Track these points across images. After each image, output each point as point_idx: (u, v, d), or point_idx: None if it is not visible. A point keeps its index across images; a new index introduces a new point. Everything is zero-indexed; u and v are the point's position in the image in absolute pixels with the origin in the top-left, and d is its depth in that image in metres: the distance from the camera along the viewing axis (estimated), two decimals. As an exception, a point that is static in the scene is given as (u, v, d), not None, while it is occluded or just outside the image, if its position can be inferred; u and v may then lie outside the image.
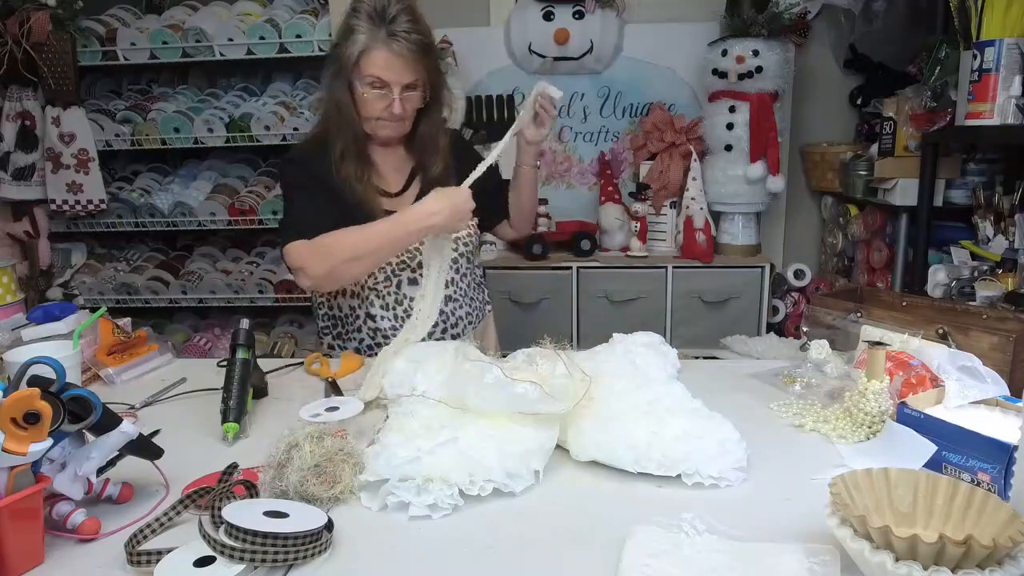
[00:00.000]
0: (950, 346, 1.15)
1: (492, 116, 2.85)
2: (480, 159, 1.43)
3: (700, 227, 2.59)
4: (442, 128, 1.58)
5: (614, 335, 1.32)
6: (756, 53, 2.45)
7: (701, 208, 2.61)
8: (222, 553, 0.75)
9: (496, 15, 2.86)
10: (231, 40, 2.62)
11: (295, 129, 2.65)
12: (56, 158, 2.66)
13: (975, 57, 1.80)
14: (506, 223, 1.74)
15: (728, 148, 2.57)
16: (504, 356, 1.23)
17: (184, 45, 2.65)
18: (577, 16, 2.72)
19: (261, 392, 1.29)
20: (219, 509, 0.81)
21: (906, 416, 0.98)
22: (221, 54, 2.65)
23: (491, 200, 1.64)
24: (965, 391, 1.01)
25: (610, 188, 2.79)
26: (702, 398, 1.10)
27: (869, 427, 1.06)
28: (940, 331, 1.28)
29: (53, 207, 2.73)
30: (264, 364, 1.36)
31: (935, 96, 2.14)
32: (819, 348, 1.26)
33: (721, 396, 1.17)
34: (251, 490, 0.88)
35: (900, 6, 2.59)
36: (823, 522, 0.74)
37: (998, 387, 1.03)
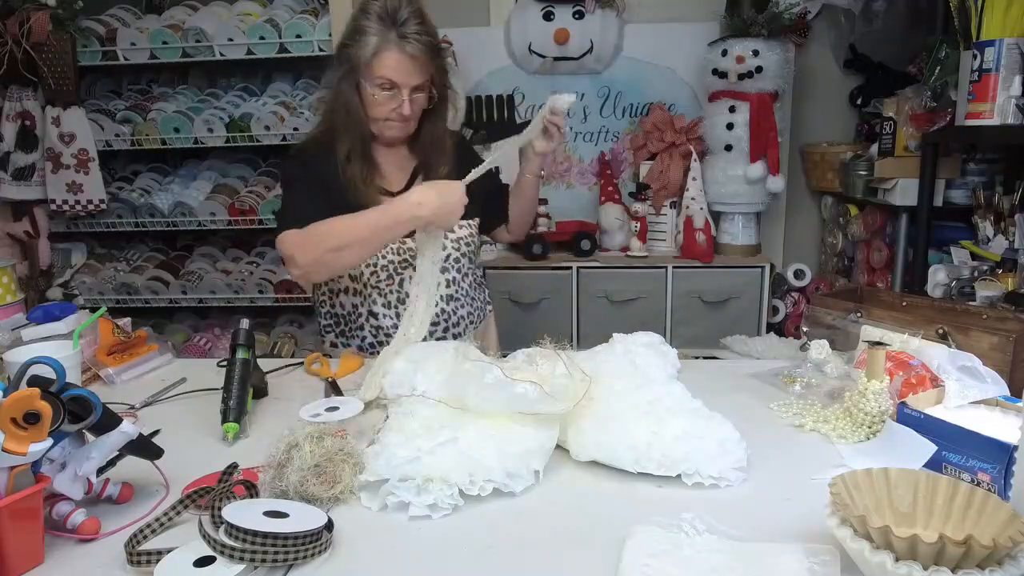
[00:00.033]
0: (950, 346, 1.15)
1: (492, 116, 2.85)
2: (481, 162, 1.43)
3: (700, 227, 2.59)
4: (448, 129, 1.59)
5: (614, 335, 1.32)
6: (756, 53, 2.45)
7: (701, 208, 2.61)
8: (222, 553, 0.75)
9: (496, 15, 2.86)
10: (231, 40, 2.62)
11: (295, 129, 2.65)
12: (56, 158, 2.66)
13: (975, 57, 1.80)
14: (503, 227, 1.75)
15: (728, 148, 2.57)
16: (504, 356, 1.23)
17: (184, 45, 2.65)
18: (577, 16, 2.72)
19: (261, 392, 1.29)
20: (219, 509, 0.81)
21: (906, 416, 0.98)
22: (221, 54, 2.65)
23: (490, 202, 1.65)
24: (965, 391, 1.01)
25: (610, 188, 2.79)
26: (702, 398, 1.10)
27: (869, 427, 1.06)
28: (940, 331, 1.28)
29: (53, 207, 2.73)
30: (264, 364, 1.36)
31: (935, 96, 2.14)
32: (819, 348, 1.26)
33: (721, 396, 1.17)
34: (251, 490, 0.88)
35: (900, 6, 2.59)
36: (823, 522, 0.74)
37: (998, 387, 1.03)
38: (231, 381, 1.14)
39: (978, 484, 0.85)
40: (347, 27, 1.46)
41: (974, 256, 2.00)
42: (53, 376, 0.82)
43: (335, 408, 1.13)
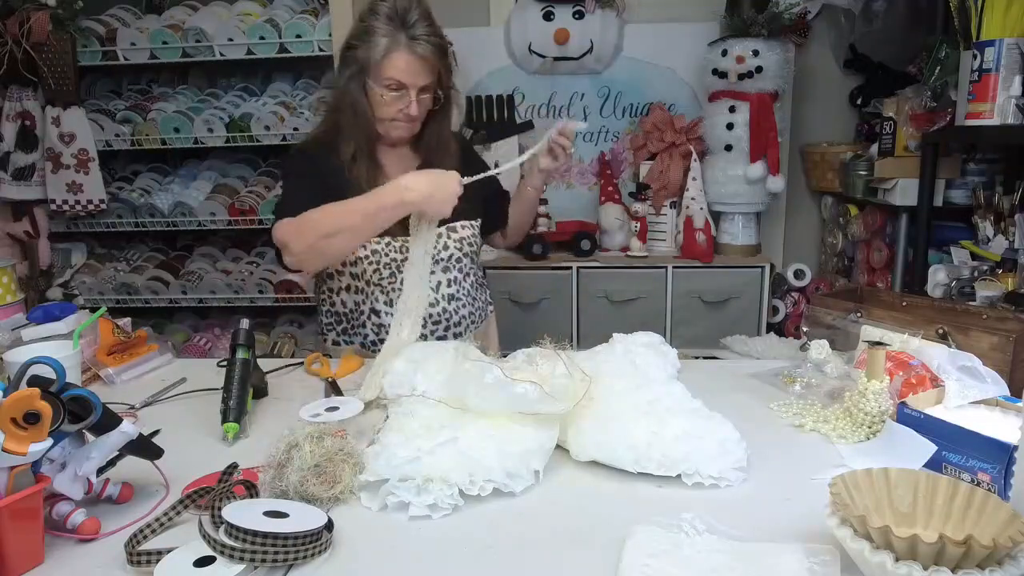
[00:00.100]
0: (950, 346, 1.15)
1: (492, 116, 2.84)
2: (484, 165, 1.44)
3: (700, 227, 2.59)
4: (452, 131, 1.59)
5: (614, 335, 1.32)
6: (756, 53, 2.45)
7: (701, 208, 2.61)
8: (222, 553, 0.75)
9: (496, 15, 2.86)
10: (231, 40, 2.62)
11: (295, 129, 2.65)
12: (56, 158, 2.66)
13: (975, 57, 1.80)
14: (499, 233, 1.77)
15: (728, 148, 2.57)
16: (504, 356, 1.23)
17: (184, 45, 2.65)
18: (577, 16, 2.72)
19: (261, 392, 1.29)
20: (219, 509, 0.81)
21: (906, 416, 0.98)
22: (221, 54, 2.65)
23: (490, 206, 1.65)
24: (965, 391, 1.01)
25: (610, 188, 2.79)
26: (702, 398, 1.10)
27: (869, 427, 1.06)
28: (940, 331, 1.28)
29: (53, 207, 2.73)
30: (264, 364, 1.36)
31: (935, 96, 2.14)
32: (819, 348, 1.26)
33: (721, 396, 1.17)
34: (251, 490, 0.88)
35: (900, 6, 2.59)
36: (823, 522, 0.74)
37: (998, 387, 1.03)
38: (231, 381, 1.15)
39: (978, 484, 0.85)
40: (354, 27, 1.46)
41: (974, 256, 2.00)
42: (53, 376, 0.82)
43: (335, 408, 1.13)
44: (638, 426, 0.98)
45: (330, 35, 2.55)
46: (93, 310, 1.38)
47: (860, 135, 2.76)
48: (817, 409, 1.15)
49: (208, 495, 0.87)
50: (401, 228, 1.42)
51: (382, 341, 1.49)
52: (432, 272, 1.50)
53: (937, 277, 1.95)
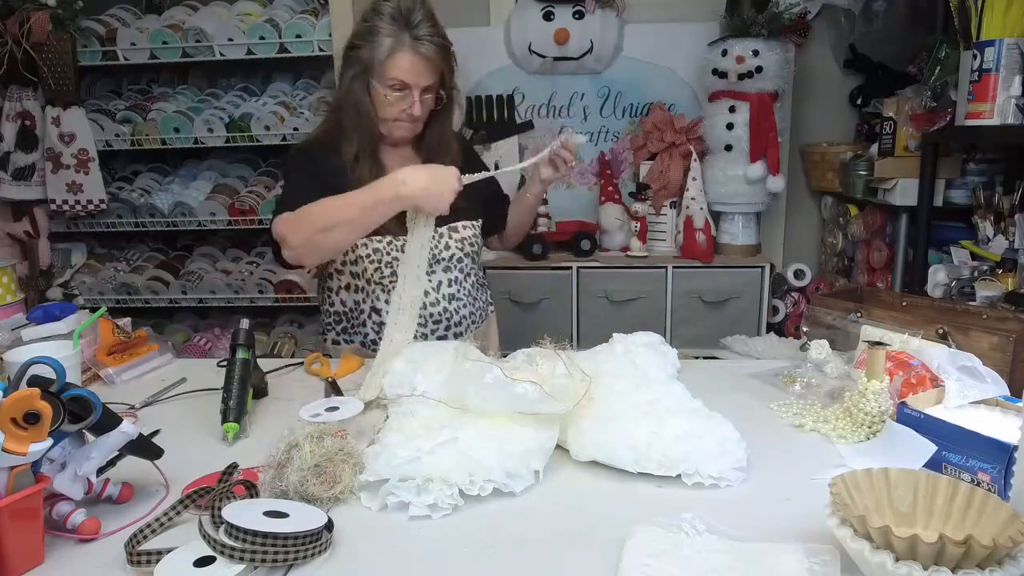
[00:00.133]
0: (950, 346, 1.15)
1: (492, 116, 2.85)
2: (485, 167, 1.44)
3: (700, 227, 2.59)
4: (454, 132, 1.59)
5: (614, 335, 1.32)
6: (756, 53, 2.45)
7: (701, 208, 2.61)
8: (222, 553, 0.75)
9: (496, 15, 2.86)
10: (231, 40, 2.62)
11: (295, 129, 2.65)
12: (56, 158, 2.66)
13: (975, 57, 1.80)
14: (496, 236, 1.78)
15: (728, 148, 2.57)
16: (504, 356, 1.23)
17: (184, 45, 2.65)
18: (577, 16, 2.72)
19: (261, 392, 1.29)
20: (219, 509, 0.81)
21: (906, 416, 0.98)
22: (221, 54, 2.65)
23: (489, 208, 1.66)
24: (965, 391, 1.01)
25: (610, 188, 2.79)
26: (702, 398, 1.10)
27: (869, 427, 1.06)
28: (940, 331, 1.28)
29: (53, 207, 2.73)
30: (264, 364, 1.36)
31: (935, 96, 2.14)
32: (819, 348, 1.26)
33: (721, 396, 1.17)
34: (251, 490, 0.88)
35: (900, 6, 2.59)
36: (823, 522, 0.74)
37: (998, 387, 1.03)
38: (231, 381, 1.15)
39: (978, 484, 0.85)
40: (357, 27, 1.46)
41: (974, 256, 2.00)
42: (53, 376, 0.82)
43: (335, 408, 1.13)
44: (638, 426, 0.98)
45: (330, 35, 2.55)
46: (93, 310, 1.38)
47: (860, 135, 2.76)
48: (817, 409, 1.15)
49: (208, 495, 0.87)
50: (402, 227, 1.42)
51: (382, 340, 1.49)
52: (433, 272, 1.50)
53: (937, 277, 1.95)
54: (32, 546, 0.79)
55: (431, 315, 1.50)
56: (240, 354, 1.18)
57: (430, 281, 1.50)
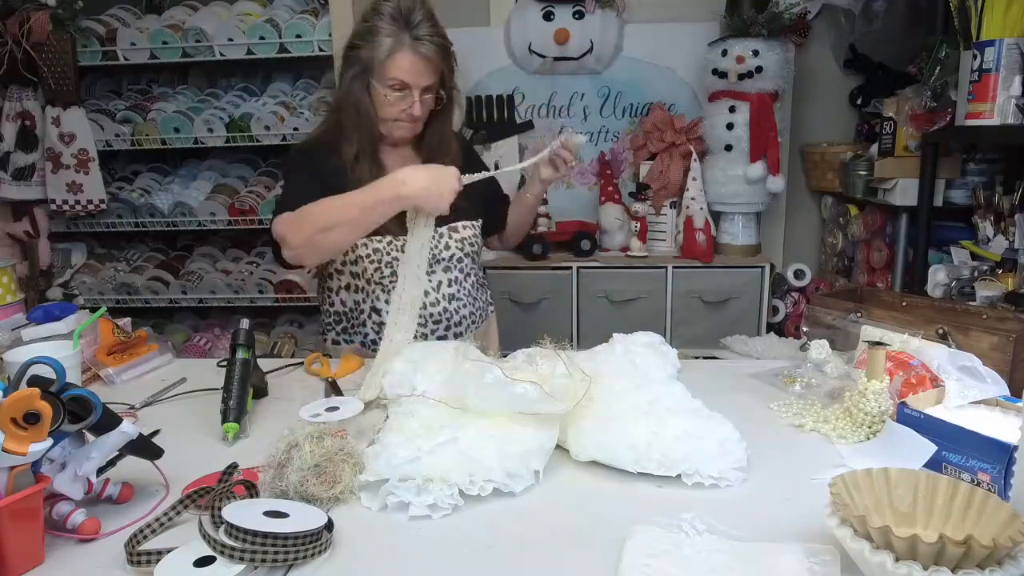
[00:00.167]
0: (950, 346, 1.15)
1: (492, 116, 2.85)
2: (485, 167, 1.44)
3: (700, 227, 2.59)
4: (454, 132, 1.59)
5: (614, 335, 1.32)
6: (756, 53, 2.45)
7: (701, 208, 2.61)
8: (222, 553, 0.75)
9: (496, 15, 2.86)
10: (231, 40, 2.62)
11: (295, 129, 2.65)
12: (56, 158, 2.66)
13: (975, 57, 1.80)
14: (496, 236, 1.78)
15: (728, 148, 2.57)
16: (504, 356, 1.23)
17: (184, 45, 2.65)
18: (577, 16, 2.72)
19: (261, 392, 1.29)
20: (219, 509, 0.81)
21: (906, 416, 0.98)
22: (221, 54, 2.65)
23: (489, 208, 1.66)
24: (965, 391, 1.01)
25: (610, 188, 2.79)
26: (702, 398, 1.10)
27: (869, 427, 1.06)
28: (940, 331, 1.28)
29: (53, 207, 2.73)
30: (264, 364, 1.36)
31: (935, 96, 2.13)
32: (819, 348, 1.26)
33: (721, 396, 1.17)
34: (251, 490, 0.88)
35: (900, 6, 2.59)
36: (823, 522, 0.74)
37: (998, 387, 1.03)
38: (231, 381, 1.15)
39: (978, 484, 0.85)
40: (357, 27, 1.46)
41: (974, 256, 2.00)
42: (53, 376, 0.82)
43: (335, 408, 1.13)
44: (638, 426, 0.98)
45: (330, 35, 2.55)
46: (93, 310, 1.38)
47: (860, 135, 2.76)
48: (817, 409, 1.15)
49: (208, 495, 0.87)
50: (402, 227, 1.41)
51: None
52: (433, 271, 1.50)
53: (937, 277, 1.95)
54: (32, 546, 0.79)
55: (431, 315, 1.50)
56: (240, 354, 1.18)
57: (430, 281, 1.50)
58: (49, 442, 0.78)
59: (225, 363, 1.20)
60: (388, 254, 1.47)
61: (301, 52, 2.60)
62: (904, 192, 2.19)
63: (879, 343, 1.10)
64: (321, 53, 2.58)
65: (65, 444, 0.85)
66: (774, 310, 2.71)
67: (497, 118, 2.84)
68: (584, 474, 0.99)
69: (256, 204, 2.76)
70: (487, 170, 1.50)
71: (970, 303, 1.72)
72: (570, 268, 2.61)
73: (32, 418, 0.75)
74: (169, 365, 1.50)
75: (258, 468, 0.94)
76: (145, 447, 0.94)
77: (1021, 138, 1.82)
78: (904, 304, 1.49)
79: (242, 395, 1.14)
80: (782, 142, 2.61)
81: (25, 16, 2.49)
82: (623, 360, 1.21)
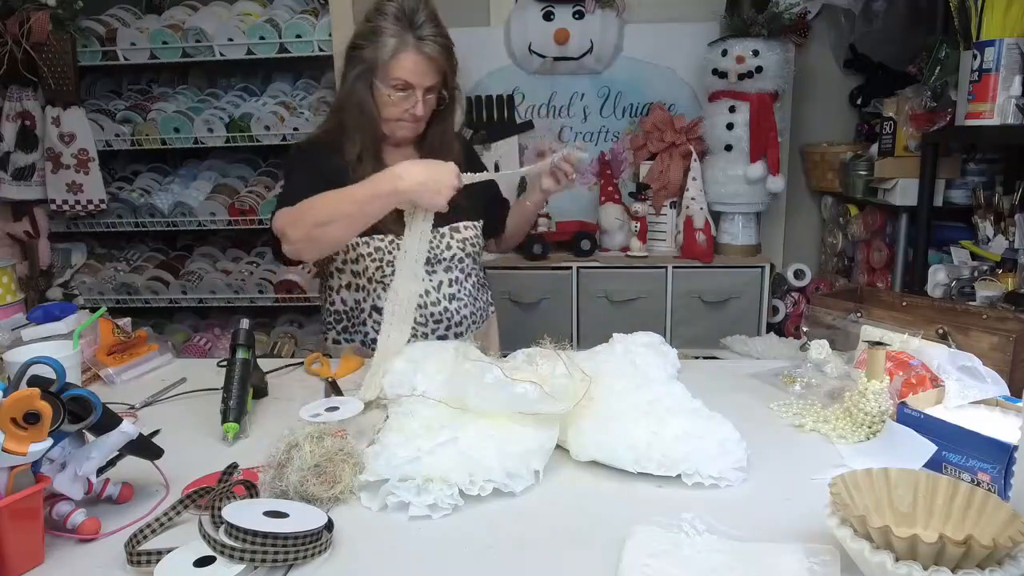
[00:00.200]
0: (950, 346, 1.15)
1: (492, 116, 2.85)
2: (486, 169, 1.45)
3: (700, 227, 2.59)
4: (455, 132, 1.60)
5: (614, 335, 1.32)
6: (756, 53, 2.45)
7: (701, 208, 2.61)
8: (222, 553, 0.75)
9: (496, 15, 2.86)
10: (231, 40, 2.62)
11: (295, 129, 2.65)
12: (56, 158, 2.66)
13: (975, 57, 1.80)
14: (493, 240, 1.78)
15: (728, 148, 2.57)
16: (504, 356, 1.23)
17: (184, 45, 2.65)
18: (577, 16, 2.72)
19: (261, 392, 1.29)
20: (219, 509, 0.81)
21: (906, 416, 0.98)
22: (221, 54, 2.65)
23: (488, 211, 1.66)
24: (965, 391, 1.01)
25: (610, 188, 2.79)
26: (702, 398, 1.10)
27: (869, 427, 1.06)
28: (940, 331, 1.28)
29: (53, 207, 2.73)
30: (264, 364, 1.36)
31: (935, 96, 2.13)
32: (819, 348, 1.26)
33: (721, 396, 1.17)
34: (251, 490, 0.88)
35: (900, 6, 2.59)
36: (823, 522, 0.74)
37: (998, 387, 1.03)
38: (231, 381, 1.15)
39: (978, 484, 0.85)
40: (361, 27, 1.46)
41: (974, 256, 2.00)
42: (53, 376, 0.82)
43: (335, 408, 1.13)
44: (638, 426, 0.98)
45: (330, 35, 2.55)
46: (93, 310, 1.38)
47: (860, 135, 2.76)
48: (817, 409, 1.15)
49: (208, 495, 0.87)
50: (404, 226, 1.41)
51: (384, 338, 1.49)
52: (434, 271, 1.50)
53: (937, 277, 1.95)
54: (32, 546, 0.79)
55: (432, 314, 1.51)
56: (240, 354, 1.18)
57: (431, 280, 1.50)
58: (49, 442, 0.78)
59: (225, 363, 1.20)
60: (390, 253, 1.47)
61: (301, 52, 2.60)
62: (904, 192, 2.19)
63: (879, 343, 1.10)
64: (321, 53, 2.58)
65: (65, 444, 0.85)
66: (774, 310, 2.71)
67: (497, 118, 2.85)
68: (584, 474, 0.99)
69: (256, 204, 2.76)
70: (487, 171, 1.50)
71: (970, 303, 1.72)
72: (570, 268, 2.61)
73: (32, 418, 0.75)
74: (169, 365, 1.50)
75: (258, 468, 0.94)
76: (145, 447, 0.94)
77: (1021, 138, 1.82)
78: (904, 304, 1.49)
79: (242, 395, 1.14)
80: (782, 142, 2.61)
81: (25, 16, 2.49)
82: (623, 360, 1.21)
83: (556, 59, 2.79)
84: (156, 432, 1.13)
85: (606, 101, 2.89)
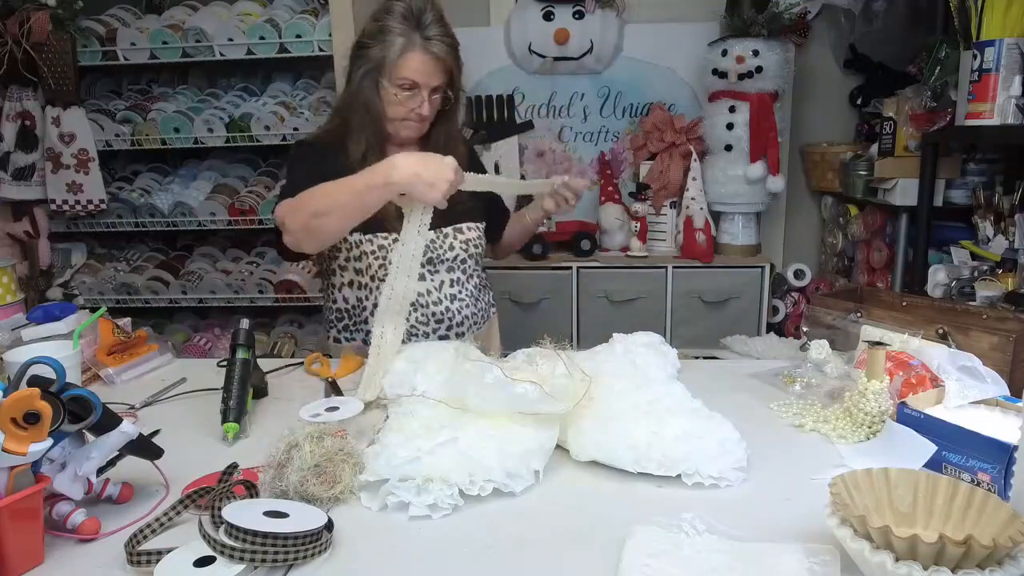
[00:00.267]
0: (950, 346, 1.15)
1: (492, 116, 2.85)
2: (487, 172, 1.46)
3: (700, 227, 2.59)
4: (460, 134, 1.60)
5: (614, 335, 1.32)
6: (756, 53, 2.45)
7: (701, 208, 2.61)
8: (222, 553, 0.75)
9: (496, 15, 2.86)
10: (231, 40, 2.61)
11: (295, 129, 2.65)
12: (56, 158, 2.66)
13: (975, 57, 1.80)
14: (490, 247, 1.78)
15: (728, 148, 2.57)
16: (504, 356, 1.23)
17: (184, 45, 2.65)
18: (577, 16, 2.72)
19: (261, 392, 1.29)
20: (219, 509, 0.81)
21: (906, 416, 0.98)
22: (221, 54, 2.64)
23: (489, 216, 1.66)
24: (965, 391, 1.01)
25: (610, 188, 2.79)
26: (702, 398, 1.10)
27: (869, 427, 1.06)
28: (940, 331, 1.28)
29: (53, 207, 2.73)
30: (264, 364, 1.36)
31: (935, 96, 2.14)
32: (819, 348, 1.26)
33: (721, 396, 1.17)
34: (251, 490, 0.88)
35: (900, 6, 2.59)
36: (823, 522, 0.74)
37: (998, 387, 1.03)
38: (231, 381, 1.15)
39: (978, 484, 0.85)
40: (368, 26, 1.46)
41: (974, 256, 2.00)
42: (53, 376, 0.82)
43: (335, 408, 1.13)
44: (638, 426, 0.98)
45: (330, 35, 2.55)
46: (93, 310, 1.38)
47: (860, 135, 2.76)
48: (817, 409, 1.15)
49: (208, 495, 0.87)
50: None
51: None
52: (436, 271, 1.50)
53: (937, 277, 1.95)
54: (32, 546, 0.79)
55: (433, 314, 1.51)
56: (240, 354, 1.18)
57: (432, 280, 1.50)
58: (49, 442, 0.78)
59: (225, 363, 1.20)
60: (392, 251, 1.46)
61: (301, 52, 2.60)
62: (904, 192, 2.19)
63: (879, 343, 1.10)
64: (321, 53, 2.58)
65: (65, 444, 0.85)
66: (774, 310, 2.71)
67: (497, 118, 2.85)
68: (584, 474, 0.99)
69: (256, 204, 2.76)
70: (490, 175, 1.50)
71: (970, 303, 1.72)
72: (570, 268, 2.61)
73: (32, 418, 0.75)
74: (169, 365, 1.50)
75: (258, 468, 0.94)
76: (145, 447, 0.94)
77: (1021, 138, 1.82)
78: (904, 304, 1.49)
79: (242, 395, 1.14)
80: (782, 142, 2.61)
81: (25, 16, 2.49)
82: (623, 360, 1.21)
83: (556, 59, 2.79)
84: (156, 432, 1.13)
85: (606, 101, 2.89)
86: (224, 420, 1.11)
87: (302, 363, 1.46)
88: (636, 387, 1.10)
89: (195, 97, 2.85)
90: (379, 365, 1.27)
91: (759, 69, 2.44)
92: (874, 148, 2.35)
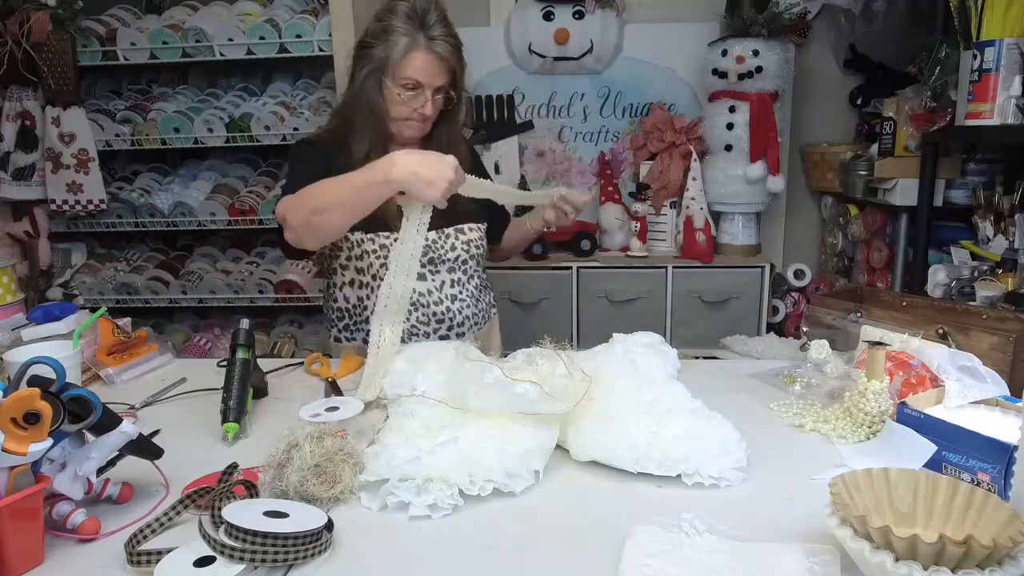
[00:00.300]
0: (950, 346, 1.15)
1: (492, 116, 2.85)
2: (488, 176, 1.46)
3: (700, 227, 2.59)
4: (462, 135, 1.60)
5: (614, 335, 1.32)
6: (756, 53, 2.45)
7: (701, 208, 2.61)
8: (222, 553, 0.75)
9: (496, 15, 2.86)
10: (231, 40, 2.61)
11: (295, 129, 2.65)
12: (56, 158, 2.66)
13: (975, 57, 1.80)
14: (489, 249, 1.76)
15: (728, 148, 2.57)
16: (504, 356, 1.23)
17: (184, 45, 2.65)
18: (577, 16, 2.72)
19: (261, 392, 1.29)
20: (219, 509, 0.81)
21: (906, 416, 0.98)
22: (221, 54, 2.64)
23: (490, 218, 1.66)
24: (965, 391, 1.01)
25: (610, 188, 2.79)
26: (702, 398, 1.10)
27: (869, 427, 1.06)
28: (940, 331, 1.28)
29: (53, 207, 2.73)
30: (264, 364, 1.36)
31: (935, 96, 2.14)
32: (819, 348, 1.26)
33: (721, 396, 1.17)
34: (251, 490, 0.88)
35: (900, 6, 2.59)
36: (823, 522, 0.74)
37: (998, 387, 1.03)
38: (231, 381, 1.15)
39: (978, 484, 0.85)
40: (371, 26, 1.45)
41: (974, 256, 2.00)
42: (53, 376, 0.82)
43: (335, 408, 1.13)
44: (638, 426, 0.98)
45: (330, 35, 2.55)
46: (93, 310, 1.38)
47: (860, 135, 2.76)
48: (817, 409, 1.15)
49: (208, 495, 0.87)
50: None
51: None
52: (437, 271, 1.50)
53: (937, 277, 1.95)
54: (32, 546, 0.79)
55: (434, 314, 1.51)
56: (240, 354, 1.18)
57: (433, 280, 1.50)
58: (49, 442, 0.78)
59: (225, 363, 1.20)
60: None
61: (301, 52, 2.60)
62: (904, 192, 2.19)
63: (879, 343, 1.10)
64: (321, 53, 2.58)
65: (65, 444, 0.85)
66: (774, 310, 2.71)
67: (497, 118, 2.85)
68: (584, 474, 0.99)
69: (256, 204, 2.76)
70: (490, 178, 1.49)
71: (970, 303, 1.72)
72: (570, 268, 2.61)
73: (32, 418, 0.75)
74: (169, 365, 1.50)
75: (258, 468, 0.94)
76: (145, 447, 0.94)
77: (1021, 138, 1.82)
78: (904, 304, 1.49)
79: (242, 395, 1.14)
80: (782, 142, 2.61)
81: (25, 16, 2.49)
82: (623, 360, 1.21)
83: (556, 59, 2.79)
84: (156, 432, 1.13)
85: (606, 101, 2.89)
86: (224, 420, 1.11)
87: (302, 363, 1.46)
88: (636, 387, 1.10)
89: (195, 97, 2.85)
90: (378, 365, 1.27)
91: (759, 69, 2.44)
92: (874, 148, 2.36)
